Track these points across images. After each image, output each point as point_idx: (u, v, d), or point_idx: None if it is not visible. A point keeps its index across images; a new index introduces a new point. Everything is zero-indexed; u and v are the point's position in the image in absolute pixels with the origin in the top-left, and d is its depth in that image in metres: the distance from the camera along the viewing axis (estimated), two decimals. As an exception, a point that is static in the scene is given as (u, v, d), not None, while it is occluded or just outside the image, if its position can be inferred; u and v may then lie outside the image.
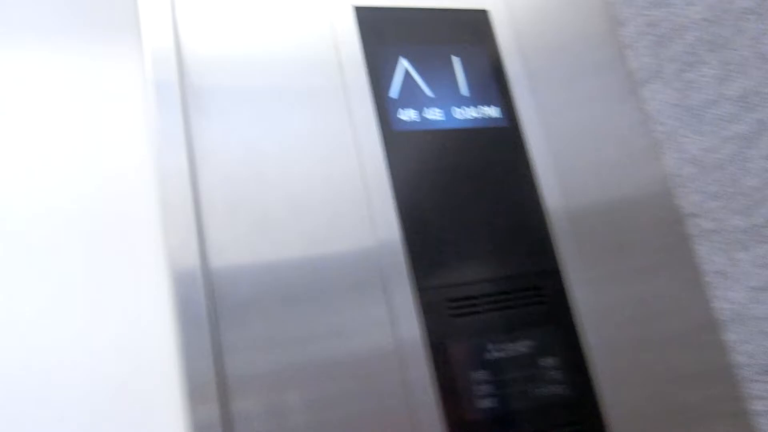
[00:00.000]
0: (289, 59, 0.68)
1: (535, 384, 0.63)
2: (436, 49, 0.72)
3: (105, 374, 0.74)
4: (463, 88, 0.72)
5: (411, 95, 0.69)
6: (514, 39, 0.76)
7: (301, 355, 0.59)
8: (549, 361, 0.64)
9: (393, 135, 0.67)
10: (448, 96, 0.71)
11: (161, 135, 0.62)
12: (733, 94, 0.78)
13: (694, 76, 0.79)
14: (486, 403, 0.61)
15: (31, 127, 0.73)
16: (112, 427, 0.73)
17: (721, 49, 0.80)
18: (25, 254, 0.72)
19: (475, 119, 0.71)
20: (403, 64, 0.70)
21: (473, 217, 0.67)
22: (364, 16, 0.70)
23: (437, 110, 0.70)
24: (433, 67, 0.71)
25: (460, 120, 0.70)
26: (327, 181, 0.65)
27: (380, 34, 0.70)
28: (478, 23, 0.75)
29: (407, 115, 0.68)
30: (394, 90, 0.69)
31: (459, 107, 0.70)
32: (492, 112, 0.72)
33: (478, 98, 0.72)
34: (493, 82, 0.73)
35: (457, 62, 0.72)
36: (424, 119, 0.69)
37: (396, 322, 0.61)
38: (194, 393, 0.56)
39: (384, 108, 0.68)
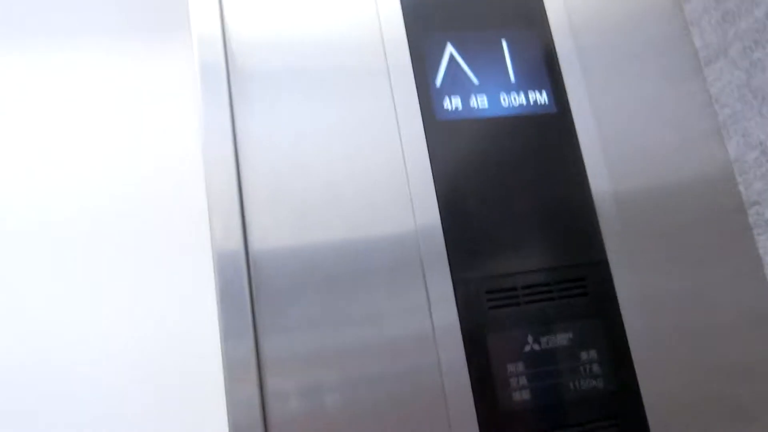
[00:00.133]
0: (332, 44, 0.69)
1: (575, 377, 0.63)
2: (486, 34, 0.71)
3: (151, 350, 0.79)
4: (512, 74, 0.70)
5: (456, 83, 0.69)
6: (567, 20, 0.74)
7: (338, 337, 0.61)
8: (590, 354, 0.64)
9: (436, 124, 0.67)
10: (495, 83, 0.70)
11: (207, 118, 0.65)
12: (806, 75, 0.73)
13: (761, 55, 0.74)
14: (522, 395, 0.61)
15: (90, 121, 0.78)
16: (158, 395, 0.78)
17: (795, 25, 0.74)
18: (80, 239, 0.77)
19: (522, 106, 0.69)
20: (450, 50, 0.69)
21: (516, 208, 0.67)
22: (409, 3, 0.70)
23: (483, 98, 0.69)
24: (481, 53, 0.70)
25: (506, 107, 0.69)
26: (368, 168, 0.66)
27: (426, 21, 0.70)
28: (530, 5, 0.73)
29: (452, 103, 0.68)
30: (439, 78, 0.68)
31: (506, 94, 0.69)
32: (540, 98, 0.70)
33: (526, 84, 0.70)
34: (543, 67, 0.71)
35: (506, 47, 0.71)
36: (468, 108, 0.68)
37: (433, 310, 0.62)
38: (232, 371, 0.59)
39: (428, 97, 0.68)
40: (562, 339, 0.64)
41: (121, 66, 0.77)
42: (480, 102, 0.69)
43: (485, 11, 0.72)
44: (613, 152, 0.71)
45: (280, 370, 0.60)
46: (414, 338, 0.62)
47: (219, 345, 0.62)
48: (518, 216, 0.67)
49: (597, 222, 0.68)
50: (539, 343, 0.64)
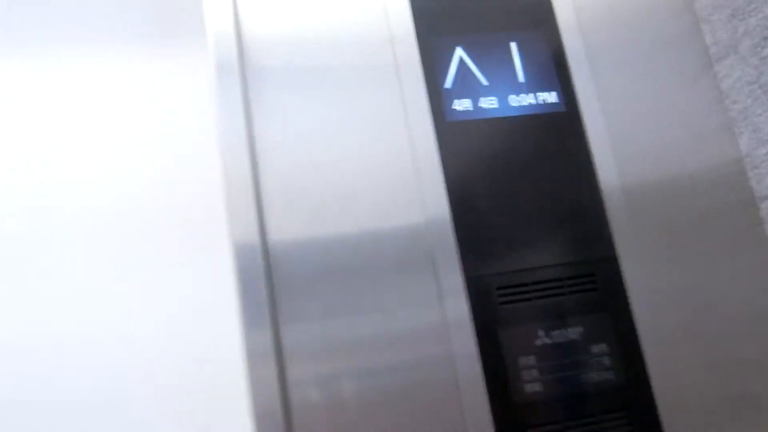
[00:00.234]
0: (343, 44, 0.71)
1: (586, 370, 0.64)
2: (494, 36, 0.73)
3: (174, 340, 0.82)
4: (521, 74, 0.72)
5: (466, 84, 0.70)
6: (575, 19, 0.75)
7: (352, 328, 0.63)
8: (601, 348, 0.65)
9: (446, 125, 0.69)
10: (505, 84, 0.71)
11: (222, 115, 0.68)
12: (817, 69, 0.73)
13: (771, 51, 0.74)
14: (534, 387, 0.63)
15: (111, 123, 0.81)
16: (182, 383, 0.81)
17: (805, 20, 0.74)
18: (102, 237, 0.81)
19: (532, 106, 0.71)
20: (459, 53, 0.71)
21: (527, 205, 0.68)
22: (419, 7, 0.72)
23: (492, 98, 0.70)
24: (491, 54, 0.72)
25: (515, 107, 0.70)
26: (380, 164, 0.68)
27: (436, 24, 0.72)
28: (539, 6, 0.74)
29: (461, 105, 0.70)
30: (449, 80, 0.70)
31: (515, 94, 0.71)
32: (549, 97, 0.71)
33: (535, 84, 0.72)
34: (552, 66, 0.73)
35: (515, 49, 0.72)
36: (478, 108, 0.70)
37: (445, 305, 0.64)
38: (253, 360, 0.61)
39: (438, 99, 0.69)
40: (573, 333, 0.65)
41: (139, 69, 0.80)
42: (489, 103, 0.70)
43: (493, 13, 0.74)
44: (623, 149, 0.72)
45: (298, 359, 0.62)
46: (427, 331, 0.64)
47: (238, 336, 0.64)
48: (528, 213, 0.68)
49: (606, 218, 0.69)
50: (550, 337, 0.65)
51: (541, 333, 0.65)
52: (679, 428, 0.64)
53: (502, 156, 0.69)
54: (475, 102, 0.70)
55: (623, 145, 0.72)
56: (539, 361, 0.64)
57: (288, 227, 0.65)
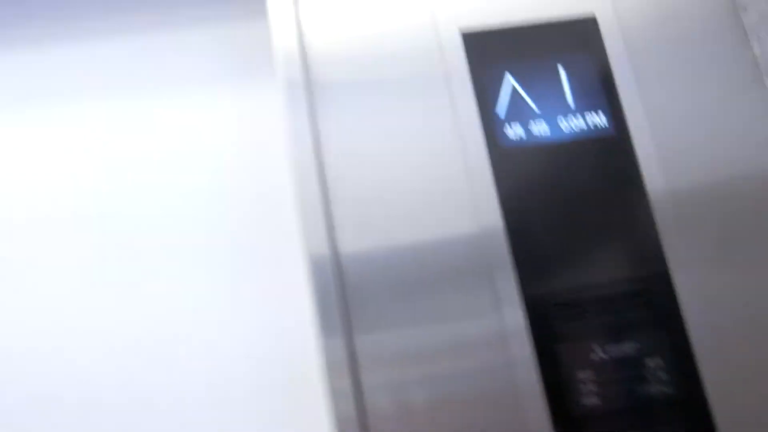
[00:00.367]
0: (400, 69, 0.76)
1: (642, 385, 0.67)
2: (543, 61, 0.75)
3: (254, 347, 0.89)
4: (570, 98, 0.74)
5: (517, 110, 0.74)
6: (622, 40, 0.77)
7: (417, 336, 0.68)
8: (656, 362, 0.67)
9: (499, 151, 0.72)
10: (554, 108, 0.74)
11: (291, 131, 0.73)
12: None
13: (821, 64, 0.75)
14: (591, 401, 0.66)
15: (195, 152, 0.88)
16: (264, 388, 0.88)
17: None
18: (192, 245, 0.88)
19: (582, 129, 0.73)
20: (509, 80, 0.74)
21: (579, 224, 0.71)
22: (470, 39, 0.75)
23: (544, 123, 0.73)
24: (539, 79, 0.75)
25: (566, 131, 0.73)
26: (437, 183, 0.72)
27: (486, 54, 0.75)
28: (585, 30, 0.77)
29: (513, 131, 0.73)
30: (500, 106, 0.73)
31: (565, 118, 0.74)
32: (599, 119, 0.74)
33: (584, 107, 0.74)
34: (600, 88, 0.75)
35: (563, 73, 0.75)
36: (529, 133, 0.73)
37: (503, 318, 0.68)
38: (330, 368, 0.66)
39: (490, 125, 0.73)
40: (628, 348, 0.68)
41: (220, 103, 0.87)
42: (540, 128, 0.73)
43: (540, 38, 0.77)
44: (672, 166, 0.74)
45: (371, 367, 0.67)
46: (487, 341, 0.68)
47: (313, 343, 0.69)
48: (581, 232, 0.71)
49: (658, 234, 0.72)
50: (606, 352, 0.68)
51: (596, 348, 0.68)
52: (736, 439, 0.66)
53: (553, 177, 0.72)
54: (526, 127, 0.73)
55: (672, 163, 0.74)
56: (596, 375, 0.67)
57: (356, 240, 0.70)
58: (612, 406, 0.66)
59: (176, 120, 0.88)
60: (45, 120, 0.90)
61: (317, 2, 0.78)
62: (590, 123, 0.74)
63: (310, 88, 0.74)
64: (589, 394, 0.66)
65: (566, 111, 0.74)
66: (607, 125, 0.74)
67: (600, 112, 0.74)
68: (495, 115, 0.73)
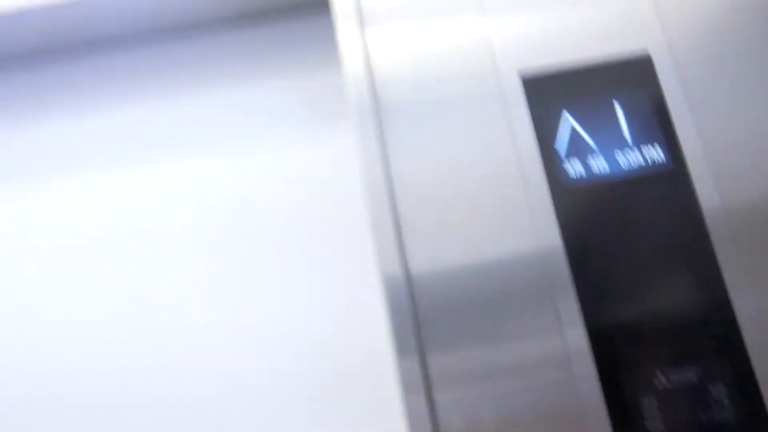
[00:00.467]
0: (461, 103, 0.80)
1: (706, 411, 0.69)
2: (599, 99, 0.79)
3: (329, 361, 0.95)
4: (627, 133, 0.78)
5: (576, 147, 0.77)
6: (676, 74, 0.80)
7: (485, 354, 0.72)
8: (719, 388, 0.70)
9: (560, 186, 0.76)
10: (612, 143, 0.77)
11: (362, 152, 0.78)
12: None
13: None
14: (656, 426, 0.69)
15: (277, 190, 0.96)
16: (340, 405, 0.94)
17: None
18: (268, 261, 0.96)
19: (639, 163, 0.77)
20: (567, 118, 0.78)
21: (639, 254, 0.74)
22: (529, 82, 0.79)
23: (601, 158, 0.77)
24: (597, 117, 0.78)
25: (623, 165, 0.77)
26: (500, 208, 0.76)
27: (544, 95, 0.79)
28: (640, 67, 0.80)
29: (573, 166, 0.77)
30: (560, 144, 0.77)
31: (623, 153, 0.77)
32: (655, 153, 0.77)
33: (641, 142, 0.77)
34: (655, 123, 0.78)
35: (619, 109, 0.79)
36: (589, 168, 0.77)
37: (567, 340, 0.71)
38: (405, 385, 0.71)
39: (550, 162, 0.77)
40: (690, 374, 0.71)
41: (295, 144, 0.96)
42: (599, 163, 0.77)
43: (596, 75, 0.80)
44: (730, 195, 0.76)
45: (443, 385, 0.71)
46: (551, 361, 0.71)
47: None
48: (642, 261, 0.74)
49: (716, 261, 0.74)
50: (668, 378, 0.71)
51: (659, 374, 0.71)
52: (801, 464, 0.68)
53: (613, 209, 0.76)
54: (585, 162, 0.77)
55: (730, 191, 0.76)
56: (659, 401, 0.70)
57: (426, 259, 0.75)
58: (677, 430, 0.69)
59: (259, 162, 0.97)
60: (141, 166, 1.00)
61: (383, 34, 0.84)
62: (647, 156, 0.77)
63: (379, 111, 0.80)
64: (653, 419, 0.69)
65: (623, 146, 0.77)
66: (663, 158, 0.77)
67: (656, 146, 0.77)
68: (555, 152, 0.77)
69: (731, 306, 0.73)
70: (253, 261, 0.94)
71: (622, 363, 0.71)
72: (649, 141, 0.78)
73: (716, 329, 0.72)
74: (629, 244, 0.75)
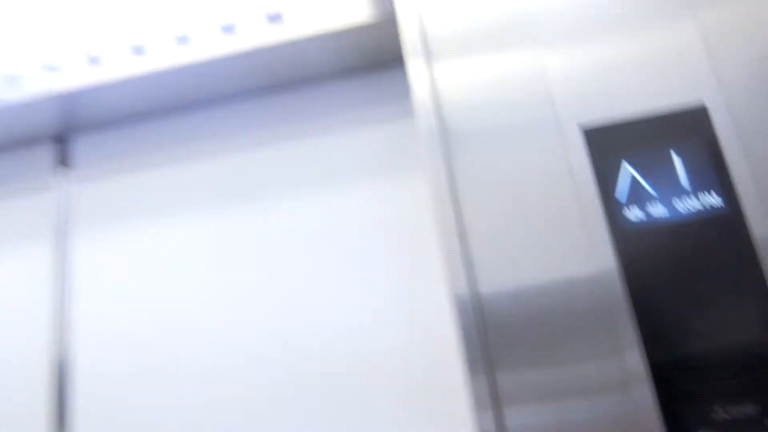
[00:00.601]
0: (522, 149, 0.87)
1: (763, 444, 0.74)
2: (657, 149, 0.84)
3: (404, 372, 1.05)
4: (684, 181, 0.83)
5: (636, 195, 0.83)
6: (732, 123, 0.85)
7: (547, 375, 0.78)
8: (776, 422, 0.74)
9: (621, 233, 0.82)
10: (670, 191, 0.83)
11: (431, 177, 0.86)
12: None
13: None
14: (716, 458, 0.74)
15: (358, 230, 1.06)
16: (414, 418, 1.04)
17: None
18: (346, 277, 1.07)
19: (697, 209, 0.82)
20: (627, 167, 0.84)
21: (699, 294, 0.80)
22: (589, 134, 0.85)
23: (660, 205, 0.82)
24: (655, 165, 0.84)
25: (682, 211, 0.82)
26: (563, 252, 0.82)
27: (604, 145, 0.85)
28: (696, 119, 0.85)
29: (633, 213, 0.82)
30: (620, 192, 0.83)
31: (680, 200, 0.82)
32: (712, 200, 0.82)
33: (698, 189, 0.83)
34: (712, 170, 0.83)
35: (676, 158, 0.84)
36: (649, 215, 0.82)
37: (628, 389, 0.77)
38: (476, 402, 0.78)
39: (611, 209, 0.83)
40: (748, 409, 0.75)
41: (373, 193, 1.08)
42: (658, 210, 0.82)
43: (653, 126, 0.86)
44: (787, 238, 0.81)
45: (511, 405, 0.78)
46: (611, 386, 0.77)
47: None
48: (701, 301, 0.79)
49: (775, 303, 0.78)
50: (728, 413, 0.76)
51: (718, 409, 0.76)
52: None
53: (672, 250, 0.81)
54: (644, 209, 0.82)
55: (787, 234, 0.81)
56: (719, 434, 0.75)
57: (494, 277, 0.82)
58: (736, 463, 0.74)
59: (343, 206, 1.10)
60: (246, 210, 1.16)
61: (449, 69, 0.92)
62: (704, 203, 0.82)
63: (446, 138, 0.88)
64: (714, 451, 0.74)
65: (681, 193, 0.83)
66: (720, 203, 0.82)
67: (713, 192, 0.82)
68: (615, 200, 0.83)
69: (788, 344, 0.77)
70: (338, 286, 1.10)
71: (681, 397, 0.77)
72: (706, 187, 0.83)
73: (774, 366, 0.76)
74: (687, 281, 0.80)
